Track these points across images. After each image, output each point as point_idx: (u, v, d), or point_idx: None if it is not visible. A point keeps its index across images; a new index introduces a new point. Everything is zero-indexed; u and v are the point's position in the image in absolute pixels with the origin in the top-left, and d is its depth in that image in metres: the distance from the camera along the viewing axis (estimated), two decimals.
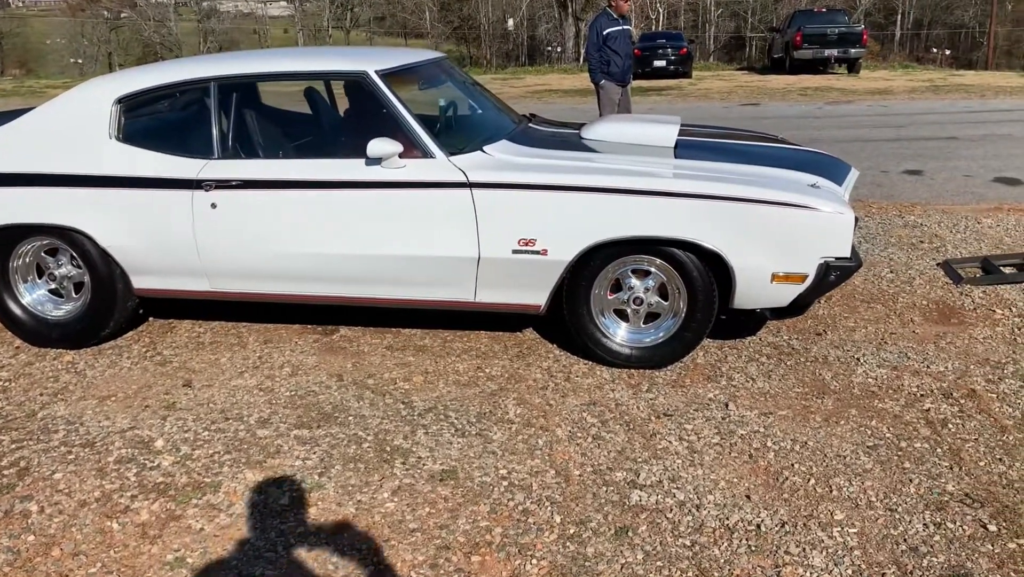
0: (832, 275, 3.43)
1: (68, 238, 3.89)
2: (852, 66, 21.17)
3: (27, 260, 4.06)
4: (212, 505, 2.78)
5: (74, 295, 4.08)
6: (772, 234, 3.40)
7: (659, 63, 21.48)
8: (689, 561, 2.44)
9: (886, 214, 6.13)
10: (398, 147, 3.51)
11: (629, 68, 7.93)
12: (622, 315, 3.72)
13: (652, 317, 3.71)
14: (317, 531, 2.63)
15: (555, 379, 3.63)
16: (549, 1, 40.26)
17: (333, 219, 3.66)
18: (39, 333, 4.06)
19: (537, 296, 3.66)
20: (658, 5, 44.77)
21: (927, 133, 10.33)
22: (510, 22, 45.32)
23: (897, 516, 2.62)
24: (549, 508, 2.71)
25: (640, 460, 2.98)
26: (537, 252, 3.52)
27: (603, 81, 7.84)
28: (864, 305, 4.38)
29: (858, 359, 3.74)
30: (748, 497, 2.75)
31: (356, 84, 3.79)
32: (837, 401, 3.37)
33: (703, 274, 3.50)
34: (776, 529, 2.58)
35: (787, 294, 3.50)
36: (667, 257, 3.53)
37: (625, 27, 7.83)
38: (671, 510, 2.69)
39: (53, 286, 4.10)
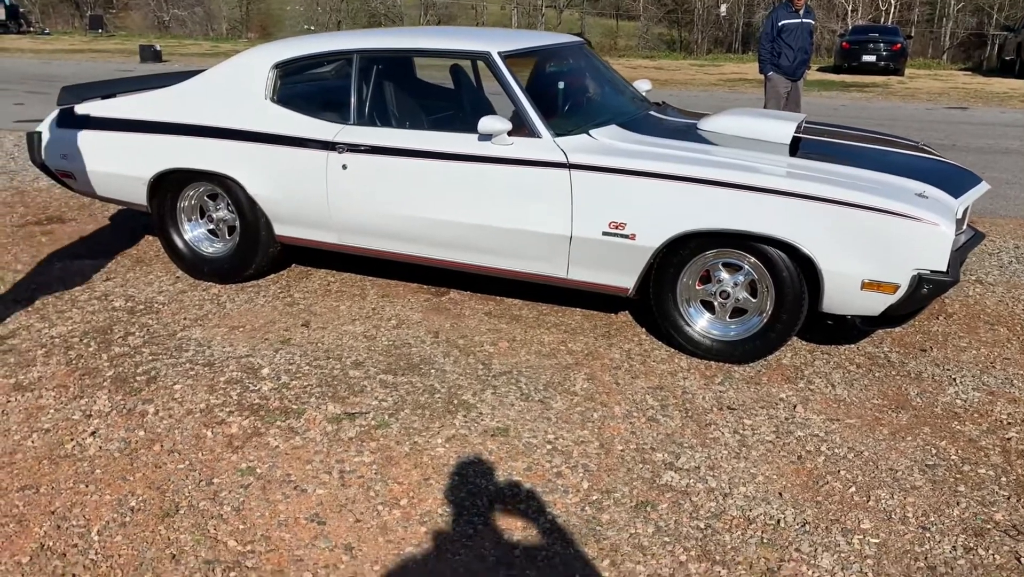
0: (925, 288, 3.31)
1: (224, 184, 4.41)
2: None
3: (192, 202, 4.64)
4: (292, 428, 3.15)
5: (227, 236, 4.63)
6: (865, 239, 3.33)
7: (868, 58, 20.28)
8: (696, 541, 2.53)
9: None
10: (507, 125, 3.72)
11: (803, 63, 7.74)
12: (711, 307, 3.77)
13: (741, 313, 3.72)
14: (372, 463, 2.93)
15: (632, 361, 3.75)
16: None
17: (444, 188, 3.94)
18: (194, 266, 4.65)
19: (626, 279, 3.77)
20: None
21: None
22: (723, 7, 44.10)
23: (928, 535, 2.56)
24: (581, 474, 2.87)
25: (686, 445, 3.06)
26: (626, 236, 3.64)
27: (771, 73, 7.71)
28: (987, 326, 4.14)
29: (954, 379, 3.58)
30: (780, 494, 2.77)
31: (480, 64, 4.03)
32: (913, 417, 3.27)
33: (792, 274, 3.48)
34: (796, 527, 2.60)
35: (878, 303, 3.41)
36: (758, 254, 3.53)
37: (804, 20, 7.63)
38: (698, 494, 2.77)
39: (211, 227, 4.67)
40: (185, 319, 4.16)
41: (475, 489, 2.78)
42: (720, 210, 3.48)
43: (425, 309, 4.32)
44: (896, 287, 3.34)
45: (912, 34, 31.41)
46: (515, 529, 2.59)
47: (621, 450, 3.03)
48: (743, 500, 2.74)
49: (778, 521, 2.63)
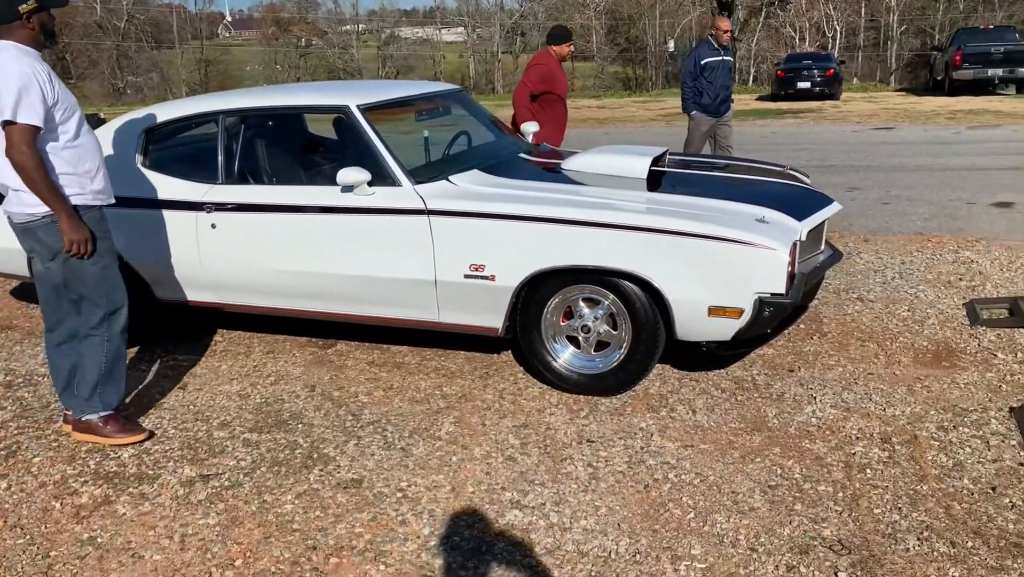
0: (766, 311, 3.38)
1: None
2: (1021, 87, 19.60)
3: None
4: (143, 494, 3.12)
5: None
6: (707, 267, 3.40)
7: (803, 84, 20.75)
8: None
9: (941, 249, 5.78)
10: (365, 175, 3.77)
11: (724, 99, 7.78)
12: (577, 343, 3.80)
13: (606, 346, 3.76)
14: (216, 525, 2.91)
15: (503, 401, 3.77)
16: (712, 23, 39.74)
17: (312, 241, 3.97)
18: None
19: (494, 319, 3.81)
20: (835, 24, 43.23)
21: None
22: (670, 44, 44.97)
23: (755, 556, 2.59)
24: (425, 520, 2.87)
25: (537, 482, 3.08)
26: (486, 277, 3.68)
27: (694, 112, 7.76)
28: (858, 343, 4.21)
29: (815, 398, 3.63)
30: (619, 525, 2.79)
31: (340, 117, 4.10)
32: (767, 439, 3.31)
33: (645, 305, 3.53)
34: (627, 558, 2.61)
35: (727, 328, 3.47)
36: (614, 288, 3.59)
37: (725, 58, 7.71)
38: (537, 531, 2.78)
39: None
40: None
41: (313, 544, 2.77)
42: (571, 247, 3.54)
43: (308, 363, 4.32)
44: (741, 311, 3.40)
45: (856, 59, 32.14)
46: None
47: (471, 492, 3.03)
48: (581, 534, 2.75)
49: (610, 553, 2.64)
